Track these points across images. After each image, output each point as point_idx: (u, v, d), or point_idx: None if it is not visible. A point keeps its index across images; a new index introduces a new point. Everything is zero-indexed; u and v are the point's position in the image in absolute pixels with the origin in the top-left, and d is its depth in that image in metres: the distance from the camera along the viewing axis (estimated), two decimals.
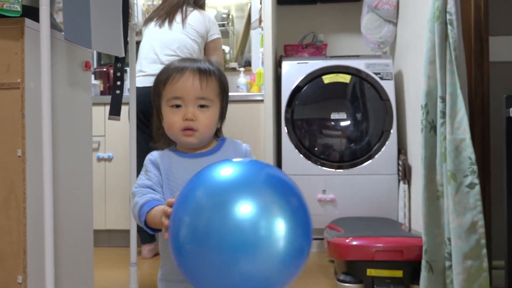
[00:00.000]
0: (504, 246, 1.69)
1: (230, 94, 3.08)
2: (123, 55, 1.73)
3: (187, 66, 1.15)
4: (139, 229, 2.75)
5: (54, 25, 1.57)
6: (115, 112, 1.72)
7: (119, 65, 1.74)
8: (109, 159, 3.03)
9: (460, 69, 1.94)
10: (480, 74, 2.09)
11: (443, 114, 1.92)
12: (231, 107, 3.20)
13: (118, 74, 1.73)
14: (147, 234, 2.75)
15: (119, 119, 1.79)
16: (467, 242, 1.82)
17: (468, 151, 1.86)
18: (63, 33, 1.51)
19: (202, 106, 1.14)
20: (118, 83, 1.73)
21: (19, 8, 1.35)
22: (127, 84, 2.63)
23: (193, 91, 1.13)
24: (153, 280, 2.26)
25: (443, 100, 1.92)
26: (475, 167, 1.85)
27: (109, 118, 1.76)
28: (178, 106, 1.13)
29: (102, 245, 3.12)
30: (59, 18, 1.84)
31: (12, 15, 1.37)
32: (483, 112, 2.07)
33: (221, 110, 1.22)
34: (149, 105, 2.65)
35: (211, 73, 1.18)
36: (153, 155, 1.21)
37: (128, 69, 2.21)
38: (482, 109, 2.07)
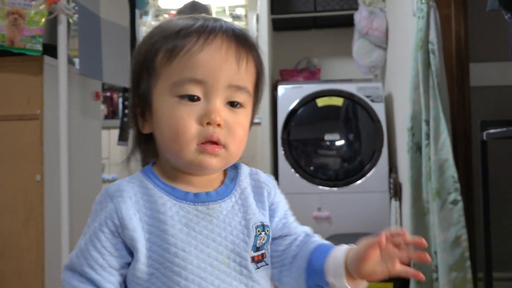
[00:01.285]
0: None
1: None
2: None
3: (216, 26, 0.68)
4: None
5: (68, 59, 1.73)
6: (123, 138, 1.86)
7: (127, 94, 1.89)
8: (113, 181, 3.16)
9: (442, 95, 2.10)
10: (461, 99, 2.24)
11: (428, 136, 2.06)
12: None
13: (126, 103, 1.88)
14: None
15: (127, 145, 1.93)
16: (452, 255, 1.96)
17: (451, 170, 2.01)
18: (77, 67, 1.66)
19: (233, 104, 0.69)
20: (126, 111, 1.87)
21: (40, 48, 1.50)
22: None
23: (226, 73, 0.67)
24: None
25: (427, 123, 2.07)
26: (457, 185, 1.99)
27: (118, 144, 1.90)
28: (192, 98, 0.66)
29: None
30: (70, 45, 1.99)
31: (34, 54, 1.52)
32: (465, 134, 2.22)
33: (252, 114, 0.77)
34: None
35: (252, 47, 0.72)
36: (115, 198, 0.70)
37: None
38: (464, 131, 2.22)
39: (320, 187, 2.98)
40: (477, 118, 2.10)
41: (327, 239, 2.56)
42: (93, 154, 1.88)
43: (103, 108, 3.43)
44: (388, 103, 3.09)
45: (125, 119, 1.87)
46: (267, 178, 0.79)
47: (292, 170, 3.01)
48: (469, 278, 1.96)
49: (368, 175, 2.96)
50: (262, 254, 0.71)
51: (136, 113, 0.72)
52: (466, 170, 2.20)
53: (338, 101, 3.04)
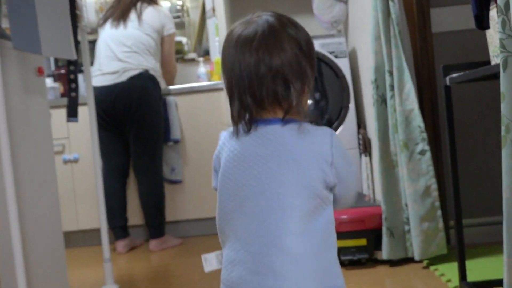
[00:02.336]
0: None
1: (190, 85, 3.11)
2: (75, 57, 1.75)
3: None
4: (113, 226, 2.79)
5: (2, 34, 1.59)
6: (72, 114, 1.74)
7: (72, 67, 1.76)
8: (75, 161, 3.04)
9: (404, 43, 2.03)
10: (424, 46, 2.18)
11: (392, 87, 2.01)
12: (192, 98, 3.22)
13: (72, 76, 1.75)
14: (121, 229, 2.80)
15: (77, 121, 1.82)
16: (423, 206, 1.93)
17: (417, 120, 1.97)
18: (11, 41, 1.53)
19: None
20: (73, 85, 1.75)
21: None
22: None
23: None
24: (131, 274, 2.32)
25: (391, 74, 2.01)
26: (425, 135, 1.96)
27: (67, 121, 1.79)
28: None
29: (76, 245, 3.14)
30: (6, 23, 1.84)
31: None
32: (429, 82, 2.17)
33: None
34: (111, 104, 2.71)
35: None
36: None
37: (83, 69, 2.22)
38: (429, 79, 2.17)
39: None
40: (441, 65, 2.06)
41: None
42: (42, 132, 1.76)
43: (58, 86, 3.27)
44: (353, 58, 3.02)
45: (73, 94, 1.75)
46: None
47: None
48: (440, 227, 1.95)
49: (337, 132, 2.91)
50: None
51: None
52: (432, 119, 2.17)
53: None
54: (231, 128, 0.89)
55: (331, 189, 0.83)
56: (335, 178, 0.83)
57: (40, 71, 1.75)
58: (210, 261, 1.05)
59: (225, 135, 0.91)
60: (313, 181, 0.81)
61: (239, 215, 0.83)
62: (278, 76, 0.81)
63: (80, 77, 3.45)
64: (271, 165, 0.82)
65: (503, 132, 0.82)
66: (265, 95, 0.82)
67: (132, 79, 2.68)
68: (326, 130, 0.87)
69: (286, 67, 0.82)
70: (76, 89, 1.76)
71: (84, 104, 2.94)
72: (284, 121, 0.83)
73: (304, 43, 0.86)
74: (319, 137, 0.85)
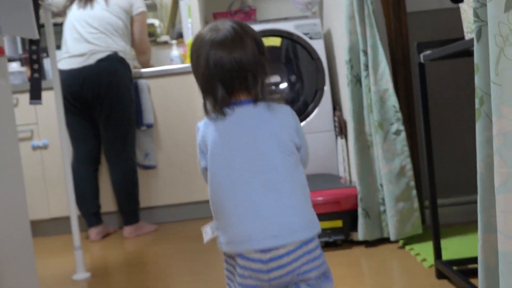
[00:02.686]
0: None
1: (163, 67, 3.02)
2: (37, 37, 1.67)
3: None
4: (84, 213, 2.72)
5: None
6: (35, 96, 1.67)
7: (34, 47, 1.68)
8: (45, 147, 2.95)
9: (378, 22, 2.00)
10: (398, 25, 2.16)
11: (366, 67, 1.98)
12: (165, 81, 3.15)
13: (34, 57, 1.67)
14: (94, 216, 2.73)
15: (41, 103, 1.74)
16: (398, 186, 1.93)
17: (392, 100, 1.95)
18: None
19: None
20: (36, 66, 1.67)
21: None
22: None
23: None
24: (105, 261, 2.27)
25: (365, 53, 1.98)
26: (399, 115, 1.94)
27: (30, 103, 1.71)
28: None
29: (49, 234, 3.06)
30: None
31: None
32: (404, 62, 2.15)
33: None
34: (80, 88, 2.62)
35: None
36: None
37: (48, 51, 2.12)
38: (403, 59, 2.15)
39: None
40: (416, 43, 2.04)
41: None
42: (4, 117, 1.68)
43: (25, 70, 3.16)
44: (328, 39, 2.98)
45: (35, 75, 1.67)
46: None
47: None
48: (415, 207, 1.95)
49: (312, 115, 2.89)
50: None
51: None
52: (407, 99, 2.15)
53: (276, 41, 2.90)
54: (205, 119, 1.10)
55: (298, 149, 1.06)
56: (299, 141, 1.06)
57: (0, 52, 1.67)
58: (206, 232, 1.19)
59: (202, 123, 1.12)
60: (287, 144, 1.03)
61: (236, 182, 1.03)
62: (247, 70, 1.04)
63: (47, 61, 3.34)
64: (254, 136, 1.04)
65: (477, 105, 0.80)
66: (237, 84, 1.04)
67: (100, 61, 2.59)
68: (286, 106, 1.10)
69: (251, 62, 1.04)
70: (39, 70, 1.68)
71: (51, 88, 2.87)
72: (255, 102, 1.05)
73: (260, 42, 1.08)
74: (284, 112, 1.08)
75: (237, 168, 1.04)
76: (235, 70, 1.03)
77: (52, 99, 2.83)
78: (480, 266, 0.81)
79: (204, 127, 1.11)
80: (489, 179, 0.79)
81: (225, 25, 1.07)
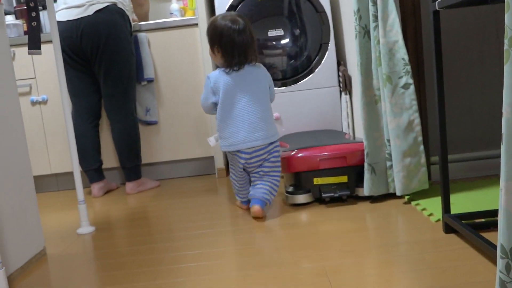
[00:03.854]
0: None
1: (164, 20, 2.93)
2: None
3: None
4: (86, 169, 2.70)
5: None
6: (34, 45, 1.60)
7: None
8: (44, 102, 2.89)
9: None
10: None
11: (375, 17, 1.91)
12: (165, 34, 3.06)
13: (31, 4, 1.60)
14: (95, 172, 2.71)
15: (40, 53, 1.68)
16: (405, 141, 1.89)
17: (401, 53, 1.89)
18: None
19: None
20: (33, 14, 1.60)
21: None
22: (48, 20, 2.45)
23: None
24: (108, 216, 2.26)
25: (374, 3, 1.90)
26: (408, 68, 1.89)
27: (29, 53, 1.65)
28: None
29: (50, 189, 3.05)
30: None
31: None
32: (414, 13, 2.07)
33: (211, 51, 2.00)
34: (78, 40, 2.54)
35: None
36: None
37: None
38: (414, 10, 2.07)
39: None
40: None
41: (279, 139, 2.46)
42: (2, 70, 1.63)
43: (21, 23, 3.06)
44: None
45: (33, 23, 1.60)
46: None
47: None
48: (423, 162, 1.92)
49: (316, 70, 2.83)
50: None
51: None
52: (416, 52, 2.09)
53: None
54: (218, 71, 1.97)
55: (269, 88, 2.01)
56: (270, 84, 2.01)
57: None
58: (211, 140, 2.06)
59: (216, 73, 1.97)
60: (265, 87, 1.99)
61: (239, 109, 1.93)
62: (250, 46, 1.93)
63: (44, 14, 3.24)
64: (251, 81, 1.96)
65: (506, 46, 0.75)
66: (246, 53, 1.94)
67: (98, 13, 2.50)
68: (263, 67, 2.03)
69: (252, 41, 1.94)
70: (36, 18, 1.61)
71: (49, 41, 2.79)
72: (252, 64, 1.98)
73: (252, 30, 1.96)
74: (263, 69, 2.01)
75: (241, 98, 1.93)
76: (246, 46, 1.93)
77: (51, 52, 2.77)
78: (502, 214, 0.78)
79: (218, 76, 1.96)
80: None
81: (239, 19, 1.92)
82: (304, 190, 2.04)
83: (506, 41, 0.75)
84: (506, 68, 0.75)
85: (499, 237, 0.81)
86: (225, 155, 3.03)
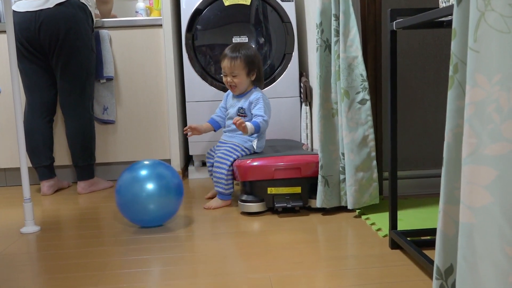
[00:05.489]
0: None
1: (128, 18, 2.87)
2: None
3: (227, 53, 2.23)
4: (37, 165, 2.61)
5: None
6: None
7: None
8: None
9: None
10: None
11: (337, 32, 1.94)
12: (128, 32, 3.01)
13: None
14: (46, 169, 2.63)
15: None
16: (359, 156, 1.92)
17: (360, 68, 1.92)
18: None
19: (233, 75, 2.21)
20: None
21: None
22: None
23: (228, 69, 2.21)
24: (56, 215, 2.19)
25: (337, 18, 1.93)
26: (366, 84, 1.92)
27: None
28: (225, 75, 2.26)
29: None
30: None
31: None
32: (375, 30, 2.12)
33: (247, 73, 2.23)
34: (36, 33, 2.46)
35: (237, 57, 2.19)
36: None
37: None
38: (375, 27, 2.12)
39: None
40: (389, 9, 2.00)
41: None
42: None
43: None
44: (299, 2, 2.91)
45: None
46: (254, 94, 2.25)
47: (199, 77, 2.81)
48: (375, 177, 1.96)
49: (279, 79, 2.84)
50: (244, 115, 2.25)
51: None
52: (374, 68, 2.13)
53: (245, 0, 2.81)
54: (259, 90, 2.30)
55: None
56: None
57: None
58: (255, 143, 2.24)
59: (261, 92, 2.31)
60: None
61: None
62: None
63: (1, 3, 3.13)
64: None
65: (451, 72, 0.77)
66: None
67: (59, 6, 2.43)
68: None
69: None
70: None
71: (3, 31, 2.70)
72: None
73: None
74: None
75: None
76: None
77: (5, 43, 2.68)
78: (438, 236, 0.80)
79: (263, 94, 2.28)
80: (456, 150, 0.78)
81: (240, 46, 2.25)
82: (258, 199, 2.04)
83: (451, 67, 0.77)
84: (449, 93, 0.77)
85: (436, 258, 0.83)
86: (184, 157, 3.00)
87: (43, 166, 2.61)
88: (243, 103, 2.24)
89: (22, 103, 2.48)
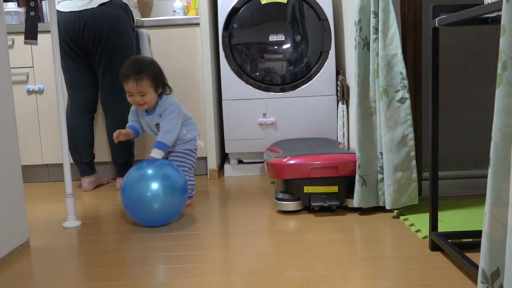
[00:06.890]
0: None
1: (166, 18, 2.91)
2: None
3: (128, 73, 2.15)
4: (78, 162, 2.68)
5: None
6: (31, 35, 1.59)
7: None
8: (40, 92, 2.88)
9: None
10: None
11: (376, 30, 1.91)
12: (166, 32, 3.04)
13: None
14: (87, 166, 2.70)
15: (36, 43, 1.67)
16: (398, 155, 1.89)
17: (400, 66, 1.89)
18: None
19: (142, 94, 2.16)
20: (32, 3, 1.59)
21: None
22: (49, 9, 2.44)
23: (133, 89, 2.15)
24: (96, 211, 2.25)
25: (376, 15, 1.90)
26: (406, 82, 1.88)
27: (24, 43, 1.64)
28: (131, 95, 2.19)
29: (41, 180, 3.04)
30: None
31: None
32: (415, 27, 2.07)
33: (155, 89, 2.19)
34: (80, 32, 2.53)
35: (142, 77, 2.14)
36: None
37: None
38: (415, 24, 2.07)
39: (265, 92, 2.83)
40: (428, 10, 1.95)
41: (272, 145, 2.42)
42: None
43: (22, 11, 3.05)
44: (336, 0, 2.88)
45: (31, 13, 1.59)
46: (166, 101, 2.24)
47: (235, 75, 2.82)
48: (414, 177, 1.92)
49: (315, 78, 2.82)
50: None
51: None
52: (414, 66, 2.09)
53: None
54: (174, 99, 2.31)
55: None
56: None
57: None
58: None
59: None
60: None
61: None
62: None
63: (45, 4, 3.22)
64: None
65: (499, 70, 0.75)
66: None
67: (103, 6, 2.49)
68: None
69: None
70: (35, 8, 1.60)
71: (49, 31, 2.78)
72: None
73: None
74: None
75: None
76: None
77: (50, 42, 2.76)
78: (484, 239, 0.78)
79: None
80: (504, 150, 0.75)
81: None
82: (294, 197, 2.03)
83: (499, 65, 0.75)
84: (497, 92, 0.74)
85: (481, 261, 0.81)
86: (219, 156, 3.02)
87: (84, 163, 2.68)
88: (157, 119, 2.24)
89: (65, 101, 2.55)
